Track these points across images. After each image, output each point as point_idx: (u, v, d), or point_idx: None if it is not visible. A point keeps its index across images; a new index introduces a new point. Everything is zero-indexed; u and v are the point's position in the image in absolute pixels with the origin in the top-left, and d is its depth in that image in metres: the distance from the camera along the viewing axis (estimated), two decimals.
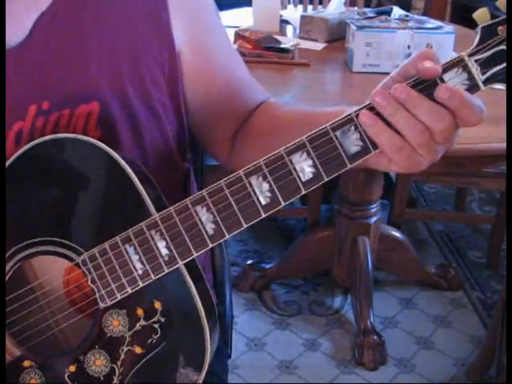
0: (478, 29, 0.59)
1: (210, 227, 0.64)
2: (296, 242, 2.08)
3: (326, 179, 0.62)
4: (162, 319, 0.68)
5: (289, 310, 2.00)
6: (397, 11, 1.98)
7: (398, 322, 1.97)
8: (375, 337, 1.81)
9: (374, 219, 1.92)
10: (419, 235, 2.40)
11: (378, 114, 0.60)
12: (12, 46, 0.71)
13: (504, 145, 1.31)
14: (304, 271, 2.10)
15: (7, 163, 0.70)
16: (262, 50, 1.83)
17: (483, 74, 0.58)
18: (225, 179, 0.63)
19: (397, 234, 2.06)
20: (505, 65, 0.58)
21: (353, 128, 0.60)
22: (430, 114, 0.59)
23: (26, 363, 0.72)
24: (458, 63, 0.59)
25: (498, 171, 2.02)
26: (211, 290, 0.97)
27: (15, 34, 0.71)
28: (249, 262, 2.11)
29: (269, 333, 1.92)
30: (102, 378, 0.70)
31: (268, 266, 2.07)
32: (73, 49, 0.73)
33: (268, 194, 0.62)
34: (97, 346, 0.70)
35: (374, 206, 1.91)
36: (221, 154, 0.88)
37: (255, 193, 0.62)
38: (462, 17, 2.66)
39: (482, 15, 0.59)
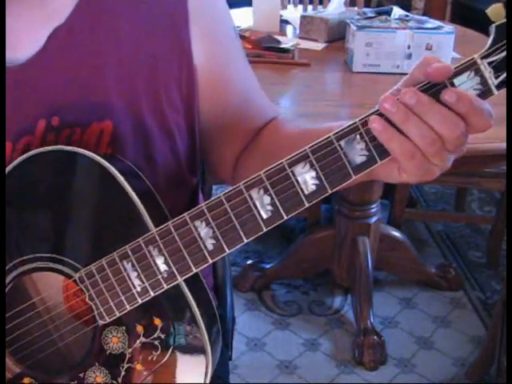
0: (492, 28, 0.55)
1: (209, 242, 0.62)
2: (296, 242, 2.08)
3: (330, 191, 0.59)
4: (162, 336, 0.67)
5: (289, 310, 2.00)
6: (397, 11, 1.97)
7: (397, 322, 1.97)
8: (375, 337, 1.81)
9: (374, 219, 1.92)
10: (419, 235, 2.39)
11: (388, 120, 0.57)
12: (25, 58, 0.69)
13: (504, 145, 1.31)
14: (304, 271, 2.09)
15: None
16: (262, 50, 1.83)
17: (496, 77, 0.55)
18: (224, 192, 0.61)
19: (397, 234, 2.06)
20: None
21: (358, 137, 0.58)
22: (443, 123, 0.55)
23: (26, 381, 0.71)
24: (469, 66, 0.55)
25: (498, 171, 2.02)
26: (211, 292, 0.97)
27: (29, 46, 0.69)
28: (249, 262, 2.10)
29: (269, 333, 1.92)
30: None
31: (268, 266, 2.07)
32: (88, 64, 0.70)
33: (269, 207, 0.60)
34: (97, 363, 0.69)
35: (374, 206, 1.91)
36: (225, 173, 0.86)
37: (256, 206, 0.60)
38: (462, 17, 2.66)
39: (495, 11, 0.54)
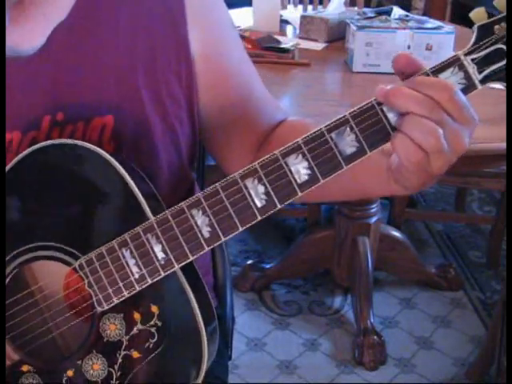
0: (475, 28, 0.59)
1: (205, 230, 0.63)
2: (296, 242, 2.08)
3: (322, 181, 0.61)
4: (159, 323, 0.67)
5: (289, 310, 2.00)
6: (397, 11, 1.98)
7: (397, 322, 1.97)
8: (375, 337, 1.81)
9: (374, 219, 1.92)
10: (419, 235, 2.39)
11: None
12: (27, 54, 0.70)
13: (504, 145, 1.31)
14: (304, 271, 2.10)
15: (8, 167, 0.69)
16: (262, 50, 1.83)
17: (480, 72, 0.58)
18: (220, 182, 0.63)
19: (397, 234, 2.06)
20: (503, 63, 0.58)
21: (348, 129, 0.60)
22: (433, 89, 0.57)
23: (25, 368, 0.72)
24: (453, 62, 0.58)
25: (498, 171, 2.02)
26: (211, 292, 0.97)
27: (31, 42, 0.70)
28: (249, 262, 2.11)
29: (269, 333, 1.92)
30: (99, 383, 0.70)
31: (268, 266, 2.08)
32: (89, 60, 0.72)
33: (263, 196, 0.62)
34: (94, 351, 0.69)
35: (374, 206, 1.91)
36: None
37: (251, 195, 0.62)
38: (462, 17, 2.65)
39: (478, 15, 0.59)
